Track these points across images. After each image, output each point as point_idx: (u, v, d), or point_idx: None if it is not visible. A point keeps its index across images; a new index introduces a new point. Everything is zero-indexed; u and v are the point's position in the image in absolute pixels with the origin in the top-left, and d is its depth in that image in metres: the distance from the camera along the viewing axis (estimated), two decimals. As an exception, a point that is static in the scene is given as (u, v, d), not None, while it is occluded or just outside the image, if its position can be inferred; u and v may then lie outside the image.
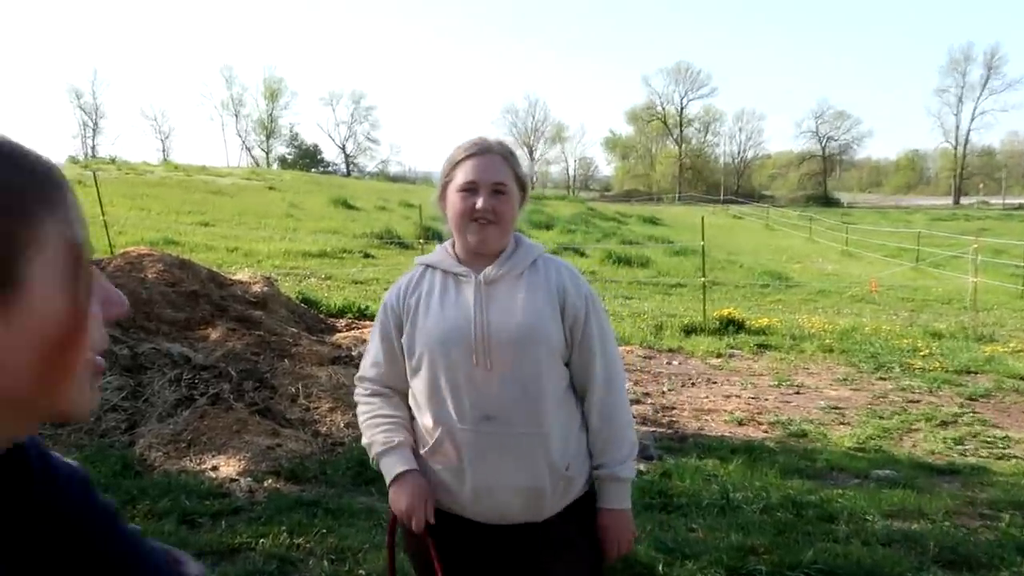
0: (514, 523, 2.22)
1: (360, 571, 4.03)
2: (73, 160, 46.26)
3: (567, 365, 2.28)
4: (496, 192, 2.21)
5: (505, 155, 2.26)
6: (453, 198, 2.24)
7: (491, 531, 2.23)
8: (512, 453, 2.17)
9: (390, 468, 2.24)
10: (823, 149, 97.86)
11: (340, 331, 9.76)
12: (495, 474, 2.17)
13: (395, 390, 2.35)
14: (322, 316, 10.73)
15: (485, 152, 2.24)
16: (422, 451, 2.25)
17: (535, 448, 2.18)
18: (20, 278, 0.66)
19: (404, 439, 2.27)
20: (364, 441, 2.35)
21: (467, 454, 2.17)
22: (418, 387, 2.25)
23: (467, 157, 2.23)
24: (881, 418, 7.82)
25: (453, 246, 2.33)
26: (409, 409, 2.34)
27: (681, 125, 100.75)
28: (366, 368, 2.38)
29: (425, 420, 2.24)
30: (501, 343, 2.17)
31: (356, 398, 2.42)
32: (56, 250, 0.69)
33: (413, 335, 2.24)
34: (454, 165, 2.25)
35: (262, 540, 4.35)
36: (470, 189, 2.21)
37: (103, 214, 15.25)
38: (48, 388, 0.70)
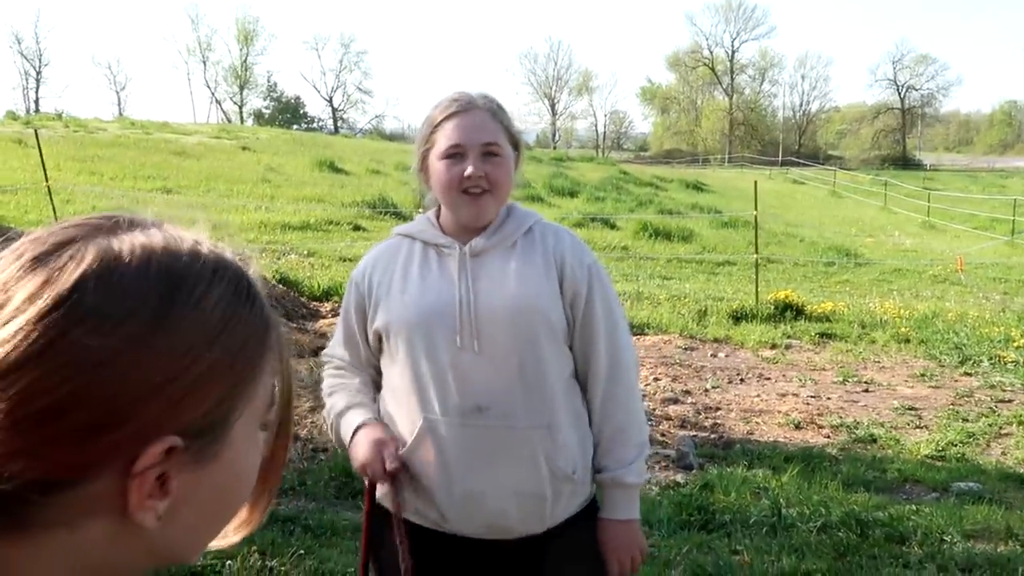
0: (508, 537, 2.22)
1: (343, 598, 4.07)
2: (12, 116, 46.48)
3: (571, 349, 2.29)
4: (487, 155, 2.20)
5: (492, 109, 2.26)
6: (437, 167, 2.23)
7: (481, 547, 2.23)
8: (508, 451, 2.17)
9: (347, 426, 2.31)
10: (902, 101, 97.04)
11: (325, 317, 9.81)
12: (487, 476, 2.17)
13: (358, 370, 2.41)
14: (304, 300, 10.79)
15: (468, 108, 2.22)
16: (400, 451, 2.25)
17: (536, 446, 2.19)
18: (227, 433, 0.76)
19: (365, 400, 2.34)
20: (324, 412, 2.43)
21: (453, 453, 2.18)
22: (394, 377, 2.27)
23: (448, 117, 2.22)
24: (965, 421, 7.80)
25: (437, 216, 2.34)
26: (377, 390, 2.40)
27: (732, 72, 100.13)
28: (334, 347, 2.47)
29: (402, 415, 2.25)
30: (490, 321, 2.18)
31: (323, 375, 2.49)
32: (259, 403, 0.79)
33: (387, 315, 2.26)
34: (433, 127, 2.24)
35: (229, 562, 4.39)
36: (456, 154, 2.20)
37: (47, 179, 15.32)
38: (194, 540, 0.80)
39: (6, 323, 0.68)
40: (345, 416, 2.32)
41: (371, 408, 2.33)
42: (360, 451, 2.23)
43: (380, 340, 2.30)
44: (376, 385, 2.40)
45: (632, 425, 2.32)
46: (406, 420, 2.24)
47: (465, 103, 2.23)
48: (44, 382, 0.66)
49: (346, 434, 2.30)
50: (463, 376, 2.17)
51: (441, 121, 2.22)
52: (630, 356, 2.34)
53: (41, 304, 0.68)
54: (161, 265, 0.73)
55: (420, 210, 2.43)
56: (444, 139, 2.21)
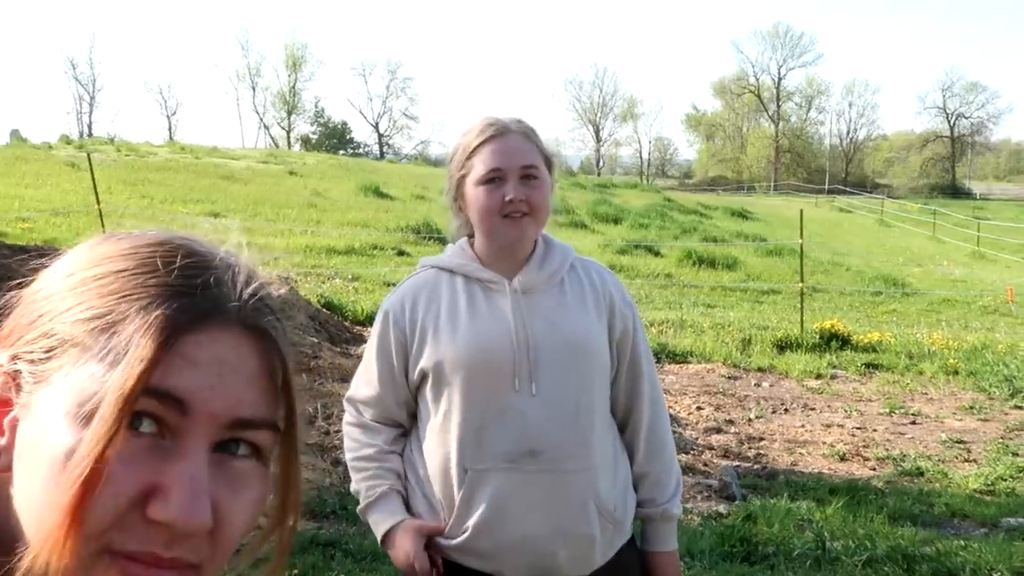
0: None
1: (383, 624, 4.08)
2: (66, 140, 47.29)
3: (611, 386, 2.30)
4: (526, 178, 2.19)
5: (527, 132, 2.25)
6: (474, 194, 2.21)
7: None
8: (558, 494, 2.15)
9: (376, 524, 2.24)
10: (951, 129, 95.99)
11: (366, 341, 9.85)
12: (538, 521, 2.15)
13: (387, 421, 2.32)
14: (347, 324, 10.86)
15: (504, 133, 2.21)
16: (441, 500, 2.21)
17: (585, 488, 2.18)
18: (46, 380, 0.73)
19: (387, 486, 2.25)
20: (352, 486, 2.34)
21: (503, 500, 2.14)
22: (440, 422, 2.20)
23: (484, 142, 2.20)
24: (1015, 455, 7.66)
25: (471, 246, 2.31)
26: (402, 442, 2.33)
27: (779, 99, 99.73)
28: (359, 387, 2.35)
29: (448, 463, 2.19)
30: (549, 362, 2.16)
31: (344, 425, 2.40)
32: (84, 384, 0.71)
33: (438, 356, 2.19)
34: (469, 153, 2.22)
35: (270, 585, 4.41)
36: (495, 179, 2.18)
37: (98, 202, 15.60)
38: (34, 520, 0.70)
39: None
40: (372, 514, 2.25)
41: (395, 489, 2.26)
42: (400, 554, 2.19)
43: (422, 382, 2.24)
44: (402, 435, 2.34)
45: (673, 460, 2.34)
46: (454, 468, 2.18)
47: (500, 127, 2.22)
48: None
49: (377, 533, 2.25)
50: (519, 420, 2.14)
51: (477, 147, 2.20)
52: (661, 391, 2.37)
53: None
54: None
55: (467, 236, 2.35)
56: (482, 164, 2.19)
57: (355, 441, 2.33)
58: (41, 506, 0.68)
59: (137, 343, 0.68)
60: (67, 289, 0.73)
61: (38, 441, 0.69)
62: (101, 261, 0.74)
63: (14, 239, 13.62)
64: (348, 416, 2.37)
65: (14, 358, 0.72)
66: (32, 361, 0.71)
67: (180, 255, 0.74)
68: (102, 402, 0.67)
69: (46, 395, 0.70)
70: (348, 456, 2.33)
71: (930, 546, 5.32)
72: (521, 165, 2.18)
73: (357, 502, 2.32)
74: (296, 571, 4.56)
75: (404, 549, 2.18)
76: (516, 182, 2.17)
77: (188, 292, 0.72)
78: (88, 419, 0.67)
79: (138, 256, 0.74)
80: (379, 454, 2.29)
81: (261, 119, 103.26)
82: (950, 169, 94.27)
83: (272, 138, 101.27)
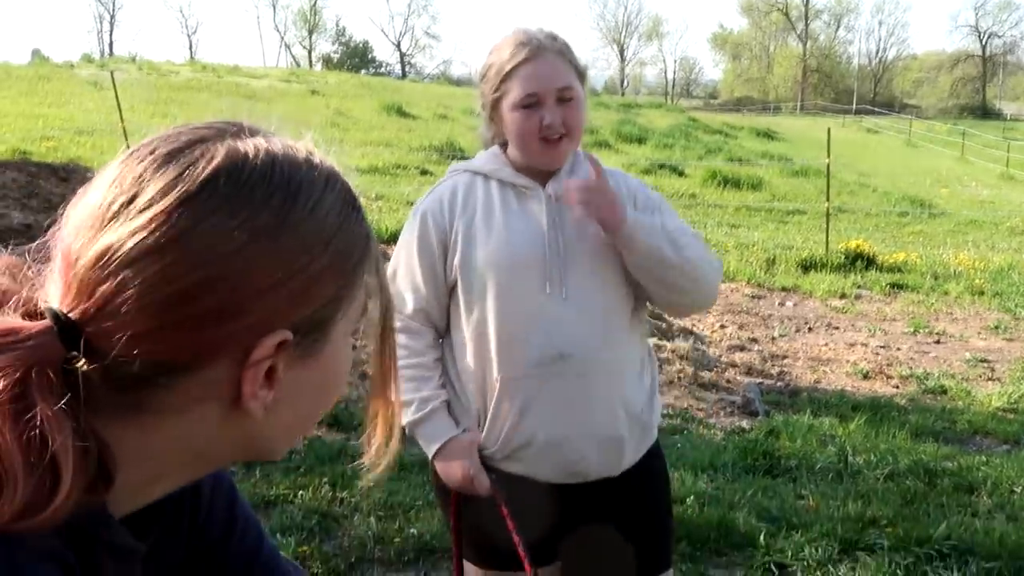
0: (585, 480, 2.25)
1: (411, 530, 4.17)
2: (88, 59, 47.09)
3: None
4: (562, 99, 2.18)
5: (560, 50, 2.21)
6: (511, 117, 2.19)
7: (560, 491, 2.26)
8: (587, 397, 2.19)
9: (429, 440, 2.25)
10: (983, 48, 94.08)
11: (399, 246, 9.88)
12: (568, 423, 2.18)
13: (429, 323, 2.30)
14: (372, 242, 10.88)
15: (539, 54, 2.17)
16: (476, 408, 2.25)
17: (612, 389, 2.21)
18: (329, 333, 0.80)
19: (439, 400, 2.26)
20: None
21: (536, 403, 2.18)
22: (474, 329, 2.22)
23: (520, 64, 2.17)
24: (1039, 374, 7.67)
25: (505, 151, 2.30)
26: (440, 347, 2.32)
27: (807, 17, 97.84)
28: (402, 292, 2.29)
29: (482, 369, 2.22)
30: (578, 267, 2.19)
31: None
32: (356, 307, 0.83)
33: (472, 257, 2.20)
34: (504, 75, 2.18)
35: (301, 492, 4.51)
36: (532, 104, 2.16)
37: (122, 121, 15.60)
38: (288, 435, 0.85)
39: (141, 211, 0.72)
40: (422, 427, 2.25)
41: (443, 401, 2.26)
42: (457, 470, 2.21)
43: (456, 285, 2.24)
44: (439, 338, 2.33)
45: (695, 241, 2.26)
46: (487, 374, 2.20)
47: (535, 47, 2.17)
48: (176, 268, 0.71)
49: (427, 447, 2.25)
50: (550, 323, 2.16)
51: (512, 69, 2.17)
52: (701, 238, 2.32)
53: (175, 195, 0.72)
54: (283, 169, 0.78)
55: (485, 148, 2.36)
56: (519, 88, 2.17)
57: (400, 348, 2.25)
58: (301, 423, 0.85)
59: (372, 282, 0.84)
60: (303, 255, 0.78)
61: (321, 377, 0.82)
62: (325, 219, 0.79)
63: (39, 157, 13.68)
64: None
65: (294, 330, 0.77)
66: (310, 327, 0.78)
67: (352, 198, 0.85)
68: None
69: (321, 346, 0.80)
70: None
71: (951, 461, 5.36)
72: (557, 88, 2.17)
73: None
74: (326, 480, 4.65)
75: (462, 467, 2.21)
76: (554, 105, 2.16)
77: (367, 227, 0.85)
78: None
79: (334, 203, 0.81)
80: (425, 360, 2.28)
81: (282, 38, 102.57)
82: (980, 89, 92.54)
83: (293, 57, 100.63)
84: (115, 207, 0.73)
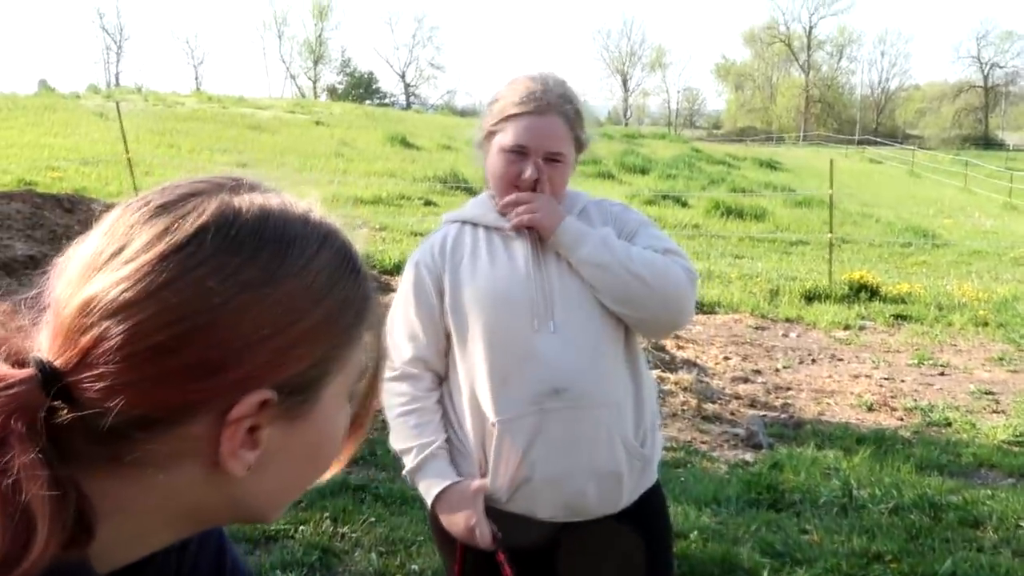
0: (585, 519, 2.24)
1: (413, 566, 4.15)
2: (94, 89, 47.39)
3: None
4: (549, 160, 2.21)
5: (567, 115, 2.23)
6: (497, 156, 2.24)
7: (561, 529, 2.24)
8: (585, 432, 2.19)
9: (427, 488, 2.24)
10: (985, 79, 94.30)
11: (395, 290, 9.90)
12: (567, 460, 2.18)
13: (429, 370, 2.30)
14: (375, 273, 10.90)
15: (544, 112, 2.20)
16: (475, 453, 2.24)
17: (611, 424, 2.21)
18: (319, 395, 0.79)
19: (437, 446, 2.24)
20: (393, 443, 2.31)
21: (535, 441, 2.17)
22: (468, 371, 2.22)
23: (523, 113, 2.19)
24: (1045, 406, 7.63)
25: (492, 197, 2.33)
26: (440, 391, 2.31)
27: (809, 48, 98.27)
28: (397, 339, 2.30)
29: (479, 413, 2.22)
30: (565, 301, 2.20)
31: (384, 382, 2.30)
32: (351, 370, 0.82)
33: (459, 303, 2.23)
34: (506, 116, 2.21)
35: (302, 528, 4.49)
36: (518, 152, 2.20)
37: (127, 151, 15.68)
38: (276, 499, 0.83)
39: (127, 262, 0.72)
40: (422, 475, 2.24)
41: (445, 447, 2.25)
42: (459, 519, 2.19)
43: (450, 328, 2.26)
44: (440, 383, 2.32)
45: (654, 256, 2.23)
46: (484, 415, 2.20)
47: (542, 104, 2.19)
48: (157, 320, 0.70)
49: (427, 494, 2.24)
50: (540, 360, 2.16)
51: (514, 115, 2.20)
52: (677, 251, 2.29)
53: (161, 247, 0.72)
54: (276, 224, 0.77)
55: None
56: (512, 134, 2.20)
57: (399, 395, 2.28)
58: (289, 487, 0.83)
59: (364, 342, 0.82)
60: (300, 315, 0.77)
61: (311, 440, 0.81)
62: (319, 274, 0.79)
63: (45, 188, 13.73)
64: (386, 372, 2.32)
65: (278, 389, 0.76)
66: (296, 387, 0.77)
67: (351, 258, 0.83)
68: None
69: (310, 408, 0.79)
70: (392, 412, 2.29)
71: (957, 495, 5.33)
72: (547, 150, 2.20)
73: (386, 447, 2.32)
74: (327, 514, 4.64)
75: (464, 517, 2.19)
76: (538, 160, 2.20)
77: (367, 290, 0.84)
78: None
79: (332, 271, 0.80)
80: (425, 405, 2.27)
81: (288, 68, 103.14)
82: (983, 120, 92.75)
83: (299, 88, 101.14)
84: (103, 257, 0.73)
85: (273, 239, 0.76)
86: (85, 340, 0.71)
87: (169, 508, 0.77)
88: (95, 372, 0.70)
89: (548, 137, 2.20)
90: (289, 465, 0.81)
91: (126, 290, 0.71)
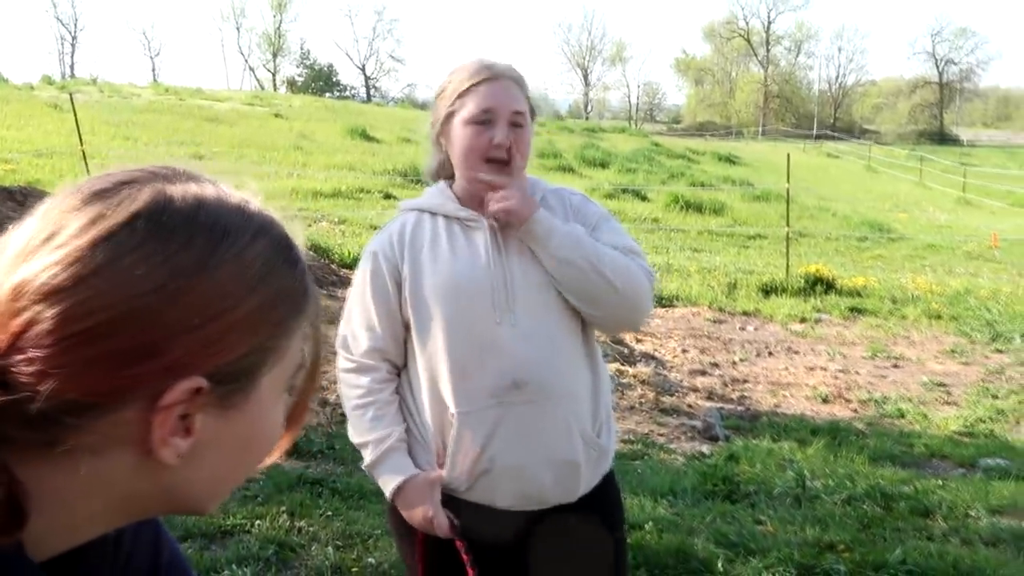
0: (541, 507, 2.25)
1: (370, 559, 4.14)
2: (48, 80, 46.68)
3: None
4: (515, 124, 2.22)
5: (517, 80, 2.27)
6: (462, 132, 2.22)
7: (520, 517, 2.26)
8: (543, 423, 2.20)
9: (386, 482, 2.24)
10: (940, 75, 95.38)
11: (353, 286, 9.85)
12: (525, 450, 2.19)
13: (385, 361, 2.30)
14: (334, 267, 10.85)
15: (498, 77, 2.23)
16: (434, 443, 2.24)
17: (569, 415, 2.23)
18: (255, 384, 0.79)
19: (395, 439, 2.24)
20: (351, 436, 2.31)
21: (495, 433, 2.18)
22: (428, 362, 2.22)
23: (478, 83, 2.21)
24: (995, 398, 7.78)
25: (451, 186, 2.34)
26: (396, 382, 2.32)
27: (768, 44, 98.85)
28: (354, 330, 2.30)
29: (439, 404, 2.22)
30: (526, 294, 2.20)
31: (340, 373, 2.33)
32: (289, 362, 0.82)
33: (419, 293, 2.22)
34: (461, 93, 2.22)
35: (258, 522, 4.47)
36: (485, 120, 2.20)
37: (81, 144, 15.46)
38: (211, 489, 0.83)
39: (58, 247, 0.72)
40: (380, 468, 2.24)
41: (403, 440, 2.25)
42: (418, 510, 2.19)
43: (409, 320, 2.25)
44: (397, 374, 2.32)
45: (617, 254, 2.25)
46: (444, 408, 2.20)
47: (495, 71, 2.24)
48: (87, 305, 0.70)
49: (385, 487, 2.25)
50: (501, 352, 2.17)
51: (471, 86, 2.21)
52: (637, 251, 2.31)
53: (92, 233, 0.72)
54: (210, 213, 0.78)
55: (452, 180, 2.35)
56: (474, 104, 2.20)
57: (355, 387, 2.28)
58: (223, 478, 0.83)
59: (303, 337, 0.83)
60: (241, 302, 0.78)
61: (245, 430, 0.81)
62: (254, 261, 0.79)
63: (-3, 180, 13.51)
64: (343, 363, 2.32)
65: (211, 377, 0.75)
66: (229, 376, 0.77)
67: (289, 248, 0.83)
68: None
69: (244, 398, 0.79)
70: (349, 404, 2.29)
71: (908, 485, 5.41)
72: (512, 110, 2.21)
73: (345, 441, 2.31)
74: (284, 508, 4.62)
75: (422, 508, 2.20)
76: (505, 126, 2.20)
77: (306, 282, 0.85)
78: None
79: (269, 259, 0.80)
80: (381, 397, 2.27)
81: (246, 61, 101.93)
82: (938, 115, 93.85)
83: (257, 80, 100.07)
84: (36, 242, 0.73)
85: (206, 227, 0.76)
86: (16, 324, 0.71)
87: (103, 496, 0.77)
88: (26, 356, 0.70)
89: (511, 97, 2.22)
90: (223, 455, 0.81)
91: (57, 275, 0.71)
